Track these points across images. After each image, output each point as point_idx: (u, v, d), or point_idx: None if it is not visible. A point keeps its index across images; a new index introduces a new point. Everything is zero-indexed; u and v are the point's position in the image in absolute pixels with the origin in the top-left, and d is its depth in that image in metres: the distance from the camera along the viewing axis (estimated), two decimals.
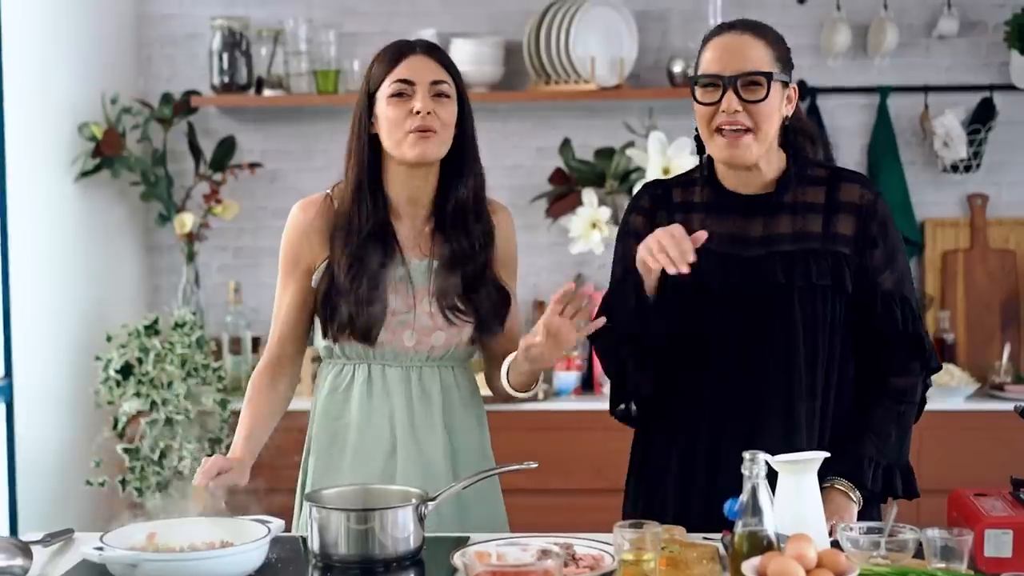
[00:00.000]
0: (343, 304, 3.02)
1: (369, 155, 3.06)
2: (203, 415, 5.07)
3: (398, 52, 3.03)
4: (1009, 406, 5.06)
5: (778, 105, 2.92)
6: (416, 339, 3.06)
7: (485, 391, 3.24)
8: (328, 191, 3.17)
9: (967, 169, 5.54)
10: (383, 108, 3.01)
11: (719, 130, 2.91)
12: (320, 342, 3.14)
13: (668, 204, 3.07)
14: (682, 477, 3.00)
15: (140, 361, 5.04)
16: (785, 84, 2.94)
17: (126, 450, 4.99)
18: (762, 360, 2.93)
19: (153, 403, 5.00)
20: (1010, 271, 5.58)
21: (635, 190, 5.24)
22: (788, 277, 2.92)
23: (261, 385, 3.15)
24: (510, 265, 3.21)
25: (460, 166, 3.09)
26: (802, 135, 3.06)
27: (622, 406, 3.12)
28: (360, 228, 3.04)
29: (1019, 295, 5.57)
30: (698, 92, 2.93)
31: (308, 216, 3.13)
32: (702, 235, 2.79)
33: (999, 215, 5.63)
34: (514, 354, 3.02)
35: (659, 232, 2.79)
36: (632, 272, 2.92)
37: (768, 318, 2.93)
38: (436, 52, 3.06)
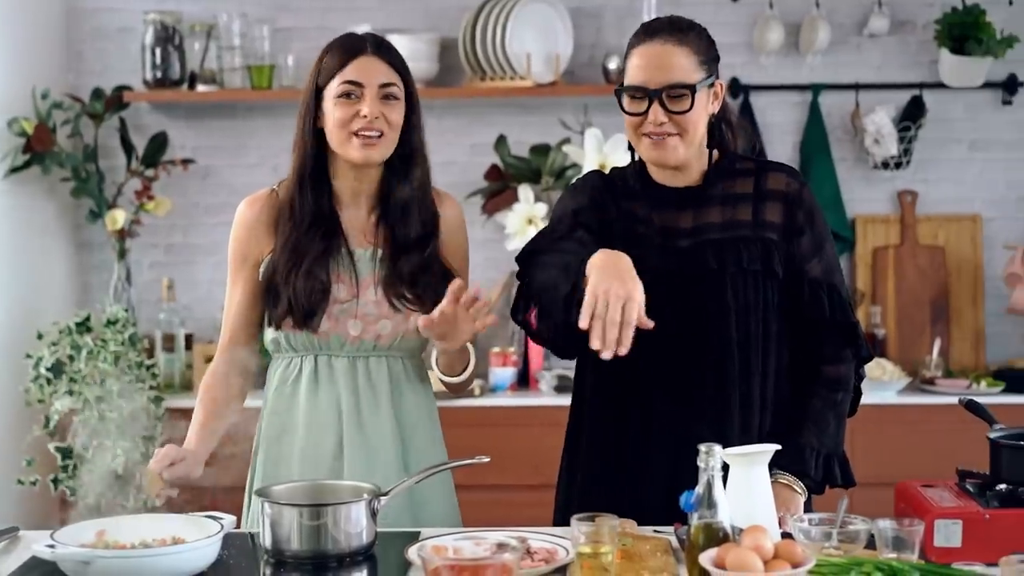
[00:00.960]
0: (283, 290, 3.02)
1: (314, 147, 3.06)
2: (137, 413, 5.03)
3: (349, 50, 3.03)
4: (940, 400, 5.14)
5: (704, 107, 2.96)
6: (361, 328, 3.06)
7: (437, 385, 3.23)
8: (274, 186, 3.16)
9: (897, 166, 5.60)
10: (330, 106, 3.01)
11: (646, 134, 2.96)
12: (268, 336, 3.13)
13: (612, 189, 3.09)
14: (616, 464, 3.01)
15: (72, 359, 5.00)
16: (711, 84, 2.98)
17: (58, 448, 4.95)
18: (695, 344, 2.95)
19: (86, 401, 4.95)
20: (939, 267, 5.64)
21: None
22: (720, 263, 2.95)
23: (214, 381, 3.13)
24: (460, 254, 3.21)
25: (407, 162, 3.10)
26: (727, 125, 3.08)
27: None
28: (302, 217, 3.05)
29: (948, 291, 5.64)
30: (625, 102, 2.96)
31: (254, 211, 3.14)
32: (647, 323, 2.69)
33: (928, 212, 5.69)
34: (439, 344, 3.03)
35: (610, 298, 2.66)
36: (571, 247, 2.89)
37: (701, 303, 2.96)
38: (387, 52, 3.06)
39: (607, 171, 3.19)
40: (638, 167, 3.09)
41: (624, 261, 2.75)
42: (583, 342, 2.70)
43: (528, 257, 2.99)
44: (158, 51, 5.47)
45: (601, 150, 5.19)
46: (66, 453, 4.95)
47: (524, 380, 5.40)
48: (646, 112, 2.92)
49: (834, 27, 5.59)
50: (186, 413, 4.91)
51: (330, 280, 3.04)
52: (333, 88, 3.01)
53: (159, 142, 5.57)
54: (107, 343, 5.01)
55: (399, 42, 5.38)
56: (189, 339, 5.47)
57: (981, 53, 5.39)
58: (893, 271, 5.63)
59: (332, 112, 3.00)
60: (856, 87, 5.66)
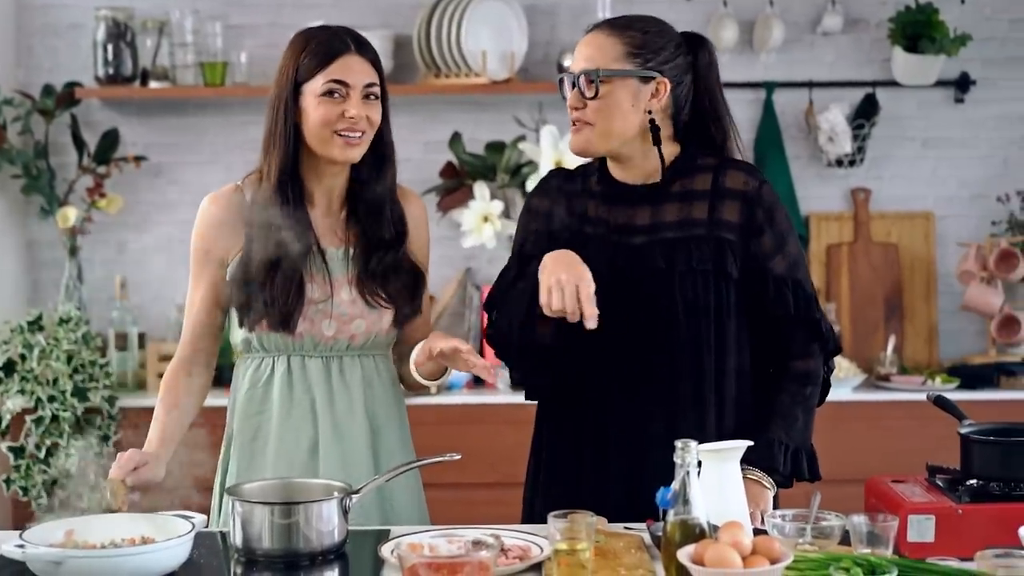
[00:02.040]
0: (260, 293, 2.99)
1: (293, 145, 3.02)
2: (90, 412, 4.99)
3: (333, 49, 2.98)
4: (895, 396, 5.17)
5: (624, 101, 2.95)
6: (336, 328, 3.04)
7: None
8: (238, 183, 3.12)
9: (851, 164, 5.63)
10: (311, 103, 2.97)
11: (573, 123, 3.00)
12: (237, 336, 3.10)
13: (568, 191, 3.10)
14: (576, 462, 3.02)
15: (24, 358, 4.95)
16: (647, 79, 2.95)
17: (11, 448, 4.90)
18: (645, 344, 2.95)
19: (38, 400, 4.90)
20: (893, 264, 5.67)
21: (527, 184, 5.28)
22: (668, 262, 2.95)
23: (176, 381, 3.10)
24: (423, 251, 3.21)
25: (379, 161, 3.08)
26: (702, 117, 3.06)
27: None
28: (279, 218, 3.00)
29: (902, 288, 5.67)
30: (560, 84, 3.04)
31: (218, 208, 3.09)
32: (591, 324, 2.79)
33: (882, 209, 5.72)
34: (423, 343, 3.01)
35: (563, 285, 2.78)
36: (526, 275, 2.95)
37: (649, 302, 2.95)
38: (368, 52, 3.03)
39: (573, 167, 3.19)
40: (598, 163, 3.10)
41: (569, 254, 2.85)
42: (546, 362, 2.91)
43: (490, 306, 3.08)
44: (110, 47, 5.42)
45: (556, 147, 5.19)
46: (18, 453, 4.90)
47: (479, 377, 5.37)
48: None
49: (788, 25, 5.61)
50: (140, 412, 4.98)
51: (304, 281, 3.02)
52: (316, 86, 2.97)
53: (111, 139, 5.52)
54: (59, 342, 4.96)
55: None
56: (142, 338, 5.42)
57: (934, 51, 5.43)
58: (847, 268, 5.66)
59: (314, 110, 2.97)
60: (810, 85, 5.68)
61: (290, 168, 3.01)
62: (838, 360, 5.28)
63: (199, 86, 5.48)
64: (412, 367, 3.06)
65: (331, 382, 3.06)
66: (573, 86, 2.97)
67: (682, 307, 2.95)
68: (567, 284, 2.76)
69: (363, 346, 3.08)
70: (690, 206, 3.00)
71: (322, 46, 2.99)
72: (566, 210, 3.08)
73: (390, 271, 3.07)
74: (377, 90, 3.02)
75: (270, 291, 2.98)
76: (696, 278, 2.95)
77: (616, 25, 2.99)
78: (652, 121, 2.97)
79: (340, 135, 2.97)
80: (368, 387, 3.09)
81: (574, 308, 2.76)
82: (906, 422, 5.00)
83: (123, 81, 5.44)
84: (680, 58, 2.99)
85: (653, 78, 2.95)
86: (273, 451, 3.06)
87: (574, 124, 2.99)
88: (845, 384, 5.17)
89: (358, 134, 2.98)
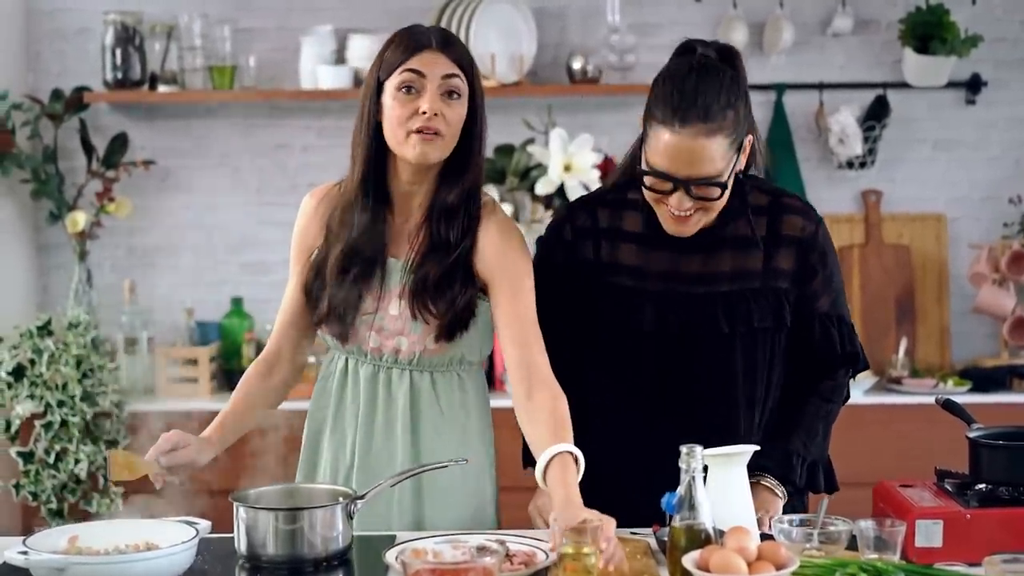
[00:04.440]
0: (325, 294, 2.93)
1: (375, 147, 2.90)
2: (99, 417, 4.99)
3: (414, 44, 2.86)
4: (906, 399, 5.16)
5: (731, 180, 2.81)
6: (378, 341, 2.94)
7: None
8: (339, 181, 3.03)
9: (862, 165, 5.61)
10: (389, 100, 2.85)
11: (668, 209, 2.83)
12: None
13: (595, 232, 2.99)
14: (591, 470, 2.91)
15: (33, 363, 4.94)
16: (741, 147, 2.83)
17: (20, 453, 4.89)
18: (699, 405, 2.92)
19: (48, 405, 4.90)
20: (904, 266, 5.65)
21: (537, 187, 5.25)
22: (730, 323, 2.89)
23: (253, 374, 3.05)
24: (500, 275, 2.92)
25: (462, 167, 2.91)
26: (749, 157, 2.93)
27: None
28: (359, 223, 2.92)
29: (913, 290, 5.65)
30: (647, 179, 2.82)
31: (313, 203, 3.04)
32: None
33: (893, 211, 5.70)
34: (542, 464, 2.72)
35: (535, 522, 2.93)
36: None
37: (707, 363, 2.92)
38: (452, 47, 2.89)
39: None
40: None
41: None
42: None
43: None
44: (118, 52, 5.42)
45: (566, 150, 5.17)
46: (28, 458, 4.89)
47: (490, 382, 5.36)
48: (670, 192, 2.79)
49: (798, 27, 5.59)
50: (149, 417, 4.98)
51: (363, 292, 2.93)
52: (394, 79, 2.84)
53: (119, 143, 5.52)
54: (69, 346, 4.95)
55: (361, 42, 5.38)
56: (151, 342, 5.42)
57: (945, 53, 5.41)
58: (858, 271, 5.64)
59: (391, 107, 2.84)
60: (820, 87, 5.66)
61: (372, 169, 2.90)
62: None
63: (208, 90, 5.48)
64: (539, 477, 2.76)
65: (376, 391, 2.97)
66: (675, 188, 2.76)
67: (741, 366, 2.92)
68: (535, 517, 2.94)
69: (411, 362, 2.95)
70: (745, 255, 2.92)
71: (404, 41, 2.88)
72: (592, 254, 2.98)
73: (441, 280, 2.89)
74: (457, 83, 2.84)
75: (333, 296, 2.92)
76: (756, 337, 2.93)
77: (711, 119, 2.73)
78: (739, 176, 2.87)
79: (415, 133, 2.82)
80: (414, 403, 2.96)
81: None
82: (918, 425, 4.98)
83: (132, 85, 5.44)
84: (748, 103, 2.87)
85: (743, 142, 2.83)
86: (326, 452, 3.02)
87: (678, 217, 2.81)
88: (856, 387, 5.14)
89: (433, 132, 2.82)
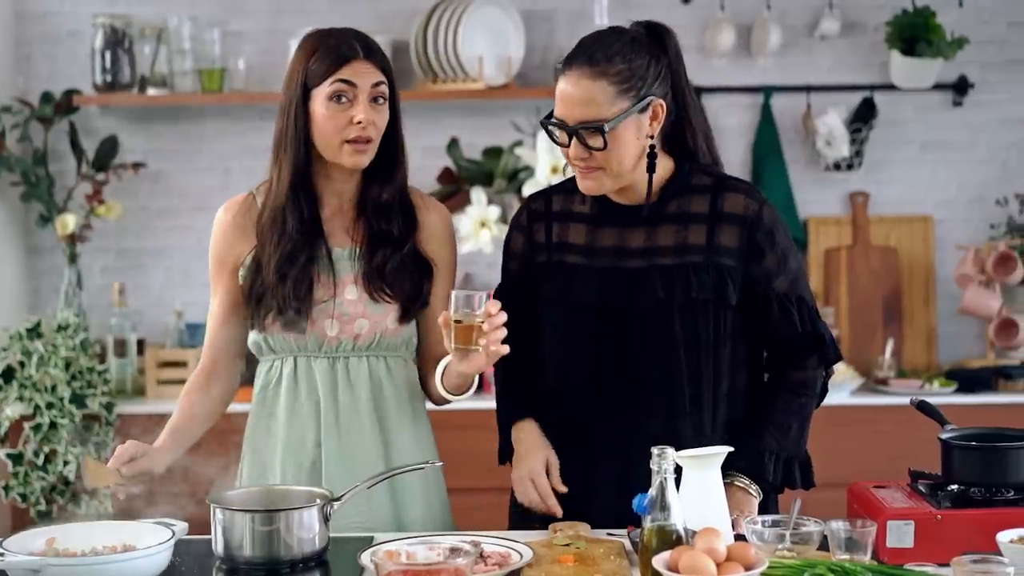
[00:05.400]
0: (270, 296, 2.98)
1: (305, 153, 2.99)
2: (88, 419, 5.00)
3: (343, 54, 2.95)
4: (893, 400, 5.17)
5: (630, 138, 2.87)
6: (338, 328, 3.01)
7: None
8: (252, 191, 3.13)
9: (849, 167, 5.62)
10: (320, 108, 2.94)
11: (575, 165, 2.92)
12: (251, 338, 3.10)
13: (547, 215, 3.07)
14: (565, 472, 3.00)
15: (22, 365, 4.96)
16: (643, 107, 2.87)
17: (9, 455, 4.91)
18: (642, 376, 2.94)
19: (37, 407, 4.92)
20: (891, 268, 5.67)
21: (524, 189, 5.28)
22: (668, 292, 2.91)
23: (194, 387, 3.11)
24: (445, 260, 3.13)
25: (388, 162, 3.04)
26: (693, 134, 3.01)
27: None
28: (293, 225, 2.99)
29: (900, 291, 5.66)
30: (548, 129, 2.93)
31: (230, 216, 3.11)
32: (561, 488, 2.95)
33: (880, 213, 5.72)
34: (448, 358, 2.93)
35: (524, 484, 2.99)
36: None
37: (647, 333, 2.93)
38: (375, 54, 3.00)
39: (559, 174, 3.17)
40: None
41: (529, 439, 3.05)
42: None
43: None
44: (108, 55, 5.44)
45: (553, 152, 5.18)
46: (17, 460, 4.91)
47: (480, 383, 5.37)
48: (568, 144, 2.88)
49: (785, 29, 5.61)
50: (138, 419, 4.99)
51: (313, 283, 3.00)
52: (325, 89, 2.94)
53: (109, 146, 5.53)
54: (58, 348, 4.97)
55: None
56: (141, 344, 5.44)
57: (931, 55, 5.43)
58: (846, 272, 5.66)
59: (323, 117, 2.94)
60: (807, 89, 5.68)
61: (301, 173, 2.99)
62: (837, 364, 5.27)
63: (197, 93, 5.50)
64: (438, 383, 3.01)
65: (336, 382, 3.04)
66: (570, 136, 2.86)
67: (682, 338, 2.93)
68: (528, 488, 2.95)
69: (369, 346, 3.04)
70: (686, 229, 2.95)
71: (331, 51, 2.96)
72: (544, 237, 3.05)
73: (396, 266, 3.02)
74: (385, 90, 2.97)
75: (280, 293, 2.97)
76: (696, 308, 2.93)
77: (596, 62, 2.84)
78: (652, 147, 2.91)
79: (349, 143, 2.94)
80: (376, 388, 3.05)
81: (540, 506, 2.92)
82: (903, 426, 4.96)
83: (121, 88, 5.46)
84: (662, 67, 2.92)
85: (648, 104, 2.88)
86: (281, 455, 3.05)
87: (582, 169, 2.90)
88: (843, 388, 5.17)
89: (366, 140, 2.95)
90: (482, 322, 2.73)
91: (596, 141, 2.84)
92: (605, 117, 2.83)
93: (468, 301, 2.73)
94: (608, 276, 2.95)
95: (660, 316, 2.92)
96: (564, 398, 3.01)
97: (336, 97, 2.93)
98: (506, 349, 2.77)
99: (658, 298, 2.91)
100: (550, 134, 2.93)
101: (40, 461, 4.91)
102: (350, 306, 3.01)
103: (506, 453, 3.13)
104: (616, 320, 2.93)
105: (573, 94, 2.85)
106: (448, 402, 3.08)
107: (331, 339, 3.02)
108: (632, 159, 2.89)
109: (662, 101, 2.90)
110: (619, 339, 2.94)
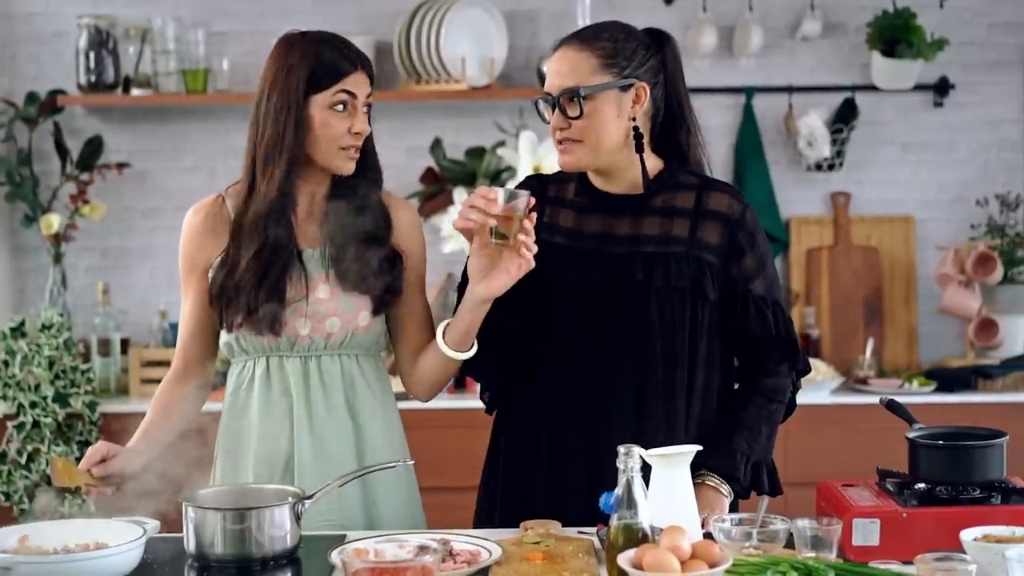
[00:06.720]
0: (242, 297, 2.99)
1: (299, 156, 3.00)
2: (72, 418, 5.02)
3: (345, 66, 2.98)
4: (873, 399, 5.13)
5: (609, 113, 2.93)
6: (310, 327, 3.02)
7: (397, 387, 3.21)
8: (221, 193, 3.14)
9: (830, 168, 5.65)
10: (320, 114, 2.96)
11: (558, 141, 2.99)
12: (222, 339, 3.11)
13: (541, 197, 3.08)
14: (529, 471, 3.03)
15: (6, 364, 4.98)
16: (627, 87, 2.93)
17: None
18: (615, 356, 2.97)
19: (20, 406, 4.94)
20: (873, 267, 5.69)
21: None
22: (647, 276, 2.95)
23: (167, 388, 3.14)
24: (416, 257, 3.16)
25: (364, 167, 3.07)
26: (671, 121, 3.05)
27: (486, 396, 3.18)
28: (274, 231, 3.00)
29: (881, 291, 5.69)
30: (539, 105, 3.02)
31: (199, 219, 3.11)
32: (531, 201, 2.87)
33: (861, 213, 5.74)
34: (446, 322, 2.99)
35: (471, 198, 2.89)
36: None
37: (623, 314, 2.96)
38: (368, 65, 3.04)
39: (548, 173, 3.20)
40: (577, 172, 3.09)
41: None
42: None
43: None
44: (92, 55, 5.46)
45: (535, 152, 5.21)
46: (0, 459, 4.93)
47: (460, 382, 5.38)
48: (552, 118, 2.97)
49: (767, 30, 5.63)
50: (122, 418, 5.00)
51: (286, 284, 3.02)
52: (326, 98, 2.96)
53: (94, 146, 5.55)
54: (41, 348, 4.99)
55: None
56: (125, 343, 5.46)
57: (912, 56, 5.45)
58: (827, 272, 5.69)
59: (324, 124, 2.96)
60: (789, 90, 5.71)
61: (293, 180, 3.00)
62: (817, 363, 5.31)
63: (181, 93, 5.52)
64: (440, 343, 2.99)
65: (309, 382, 3.05)
66: (553, 108, 2.95)
67: (658, 322, 2.96)
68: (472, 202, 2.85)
69: (341, 344, 3.06)
70: (671, 222, 3.00)
71: (335, 61, 2.99)
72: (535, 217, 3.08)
73: (365, 261, 3.02)
74: (371, 100, 3.05)
75: (255, 296, 2.98)
76: (673, 294, 2.96)
77: (584, 38, 2.96)
78: (636, 128, 2.96)
79: (345, 150, 2.99)
80: (349, 387, 3.07)
81: (484, 218, 2.82)
82: (881, 425, 4.93)
83: (106, 88, 5.48)
84: (652, 59, 2.97)
85: (632, 85, 2.93)
86: (254, 455, 3.06)
87: (560, 143, 2.97)
88: (823, 387, 5.19)
89: (357, 148, 3.01)
90: (523, 217, 2.81)
91: (573, 109, 2.92)
92: (583, 85, 2.91)
93: (513, 195, 2.80)
94: (592, 258, 2.99)
95: (638, 299, 2.95)
96: (537, 384, 3.02)
97: (337, 106, 2.97)
98: (532, 262, 2.85)
99: (636, 280, 2.95)
100: (540, 112, 3.00)
101: (23, 460, 4.93)
102: (321, 305, 3.03)
103: (491, 405, 3.18)
104: (595, 302, 2.96)
105: (559, 68, 2.95)
106: (446, 368, 3.07)
107: (303, 338, 3.03)
108: (611, 137, 2.95)
109: (646, 85, 2.95)
110: (597, 321, 2.96)
